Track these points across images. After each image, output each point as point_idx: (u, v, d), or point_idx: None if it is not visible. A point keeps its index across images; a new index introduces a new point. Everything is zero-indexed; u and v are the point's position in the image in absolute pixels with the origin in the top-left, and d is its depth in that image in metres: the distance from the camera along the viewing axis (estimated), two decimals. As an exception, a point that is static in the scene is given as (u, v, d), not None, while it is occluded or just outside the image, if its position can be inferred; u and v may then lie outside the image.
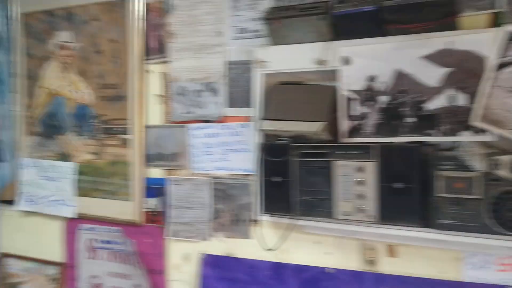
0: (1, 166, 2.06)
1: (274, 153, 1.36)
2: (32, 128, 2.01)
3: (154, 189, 1.76)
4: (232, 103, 1.60)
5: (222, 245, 1.62)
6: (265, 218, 1.43)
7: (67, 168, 1.93)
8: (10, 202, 2.09)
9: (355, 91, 1.27)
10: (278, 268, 1.48)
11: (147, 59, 1.74)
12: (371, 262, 1.35)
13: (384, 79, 1.24)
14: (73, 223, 1.93)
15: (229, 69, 1.60)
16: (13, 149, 2.05)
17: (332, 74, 1.30)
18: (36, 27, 1.95)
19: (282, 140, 1.35)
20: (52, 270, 1.99)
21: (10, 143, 2.04)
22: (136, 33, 1.71)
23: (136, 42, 1.72)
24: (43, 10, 1.92)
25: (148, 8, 1.72)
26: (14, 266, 2.09)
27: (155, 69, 1.74)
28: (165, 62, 1.71)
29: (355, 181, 1.23)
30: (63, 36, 1.89)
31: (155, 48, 1.73)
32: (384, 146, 1.21)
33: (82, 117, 1.88)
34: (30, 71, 1.99)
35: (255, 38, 1.54)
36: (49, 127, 1.96)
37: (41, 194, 2.00)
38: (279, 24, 1.36)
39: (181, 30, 1.66)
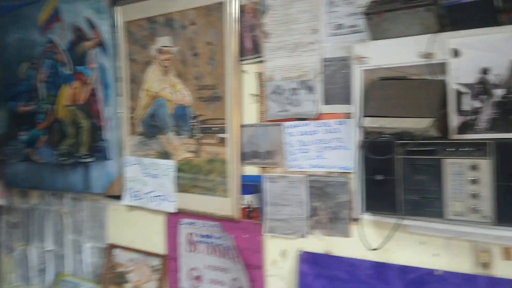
0: (108, 164, 2.23)
1: (376, 150, 1.33)
2: (135, 129, 2.15)
3: (250, 186, 1.81)
4: (328, 100, 1.59)
5: (320, 243, 1.62)
6: (367, 217, 1.40)
7: (168, 166, 2.04)
8: (116, 197, 2.25)
9: (466, 85, 1.20)
10: (381, 268, 1.45)
11: (242, 60, 1.79)
12: (485, 265, 1.28)
13: (499, 71, 1.16)
14: (174, 218, 2.04)
15: (325, 66, 1.59)
16: (119, 148, 2.21)
17: (439, 68, 1.25)
18: (138, 34, 2.09)
19: (385, 137, 1.32)
20: (155, 261, 2.12)
21: (115, 142, 2.20)
22: (232, 34, 1.76)
23: (232, 43, 1.77)
24: (145, 18, 2.04)
25: (243, 9, 1.76)
26: (121, 256, 2.26)
27: (250, 69, 1.78)
28: (260, 62, 1.74)
29: (468, 179, 1.17)
30: (163, 41, 1.99)
31: (250, 48, 1.77)
32: (501, 143, 1.13)
33: (181, 117, 1.97)
34: (133, 75, 2.13)
35: (353, 33, 1.52)
36: (150, 127, 2.09)
37: (144, 190, 2.13)
38: (380, 18, 1.32)
39: (276, 30, 1.68)
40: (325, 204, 1.61)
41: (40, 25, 2.43)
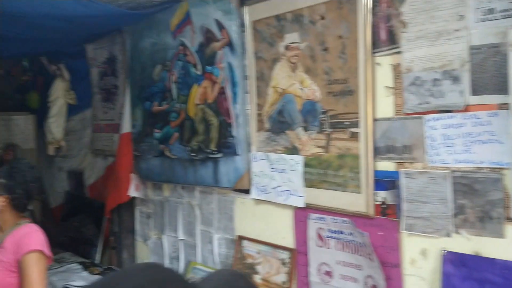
0: (236, 159, 2.33)
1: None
2: (263, 125, 2.21)
3: (384, 182, 1.75)
4: (477, 90, 1.48)
5: (467, 243, 1.52)
6: (530, 217, 1.28)
7: (295, 161, 2.06)
8: (244, 191, 2.34)
9: None
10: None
11: (375, 52, 1.74)
12: None
13: None
14: (302, 212, 2.06)
15: (472, 55, 1.48)
16: (246, 144, 2.29)
17: None
18: (265, 32, 2.14)
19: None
20: (283, 255, 2.17)
21: (243, 138, 2.29)
22: (365, 26, 1.72)
23: (365, 35, 1.73)
24: (272, 16, 2.08)
25: (378, 0, 1.71)
26: (249, 248, 2.34)
27: (385, 61, 1.72)
28: (396, 53, 1.68)
29: None
30: (291, 37, 2.02)
31: (385, 40, 1.71)
32: None
33: (310, 113, 1.98)
34: (261, 73, 2.19)
35: (506, 18, 1.39)
36: (278, 123, 2.13)
37: (271, 185, 2.18)
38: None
39: (415, 18, 1.60)
40: (473, 202, 1.50)
41: (172, 29, 2.61)
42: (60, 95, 3.77)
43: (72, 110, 3.84)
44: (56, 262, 3.39)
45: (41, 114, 4.12)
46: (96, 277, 3.11)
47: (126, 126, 3.05)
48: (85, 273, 3.20)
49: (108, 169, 3.48)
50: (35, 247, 1.88)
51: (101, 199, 3.52)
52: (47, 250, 1.92)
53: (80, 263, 3.38)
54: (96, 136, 3.61)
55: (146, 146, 2.92)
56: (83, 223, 3.73)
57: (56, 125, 3.80)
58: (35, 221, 2.08)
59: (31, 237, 1.91)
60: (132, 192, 3.03)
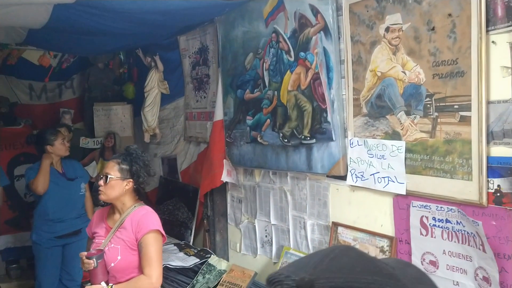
0: (331, 145, 2.31)
1: None
2: (360, 110, 2.16)
3: (499, 168, 1.65)
4: None
5: None
6: None
7: (396, 147, 2.00)
8: (339, 178, 2.32)
9: None
10: None
11: (490, 30, 1.62)
12: None
13: None
14: (403, 200, 2.00)
15: None
16: (342, 129, 2.26)
17: None
18: (363, 15, 2.08)
19: None
20: (382, 242, 2.13)
21: (339, 124, 2.26)
22: (479, 2, 1.61)
23: (479, 12, 1.61)
24: (372, -3, 2.02)
25: (494, -27, 1.59)
26: (345, 234, 2.33)
27: (501, 39, 1.60)
28: (515, 29, 1.55)
29: None
30: (393, 18, 1.95)
31: (502, 16, 1.59)
32: None
33: (413, 97, 1.90)
34: (357, 57, 2.14)
35: None
36: (377, 108, 2.08)
37: (369, 171, 2.14)
38: None
39: (540, -10, 1.46)
40: None
41: (264, 17, 2.63)
42: (154, 85, 3.98)
43: (165, 99, 4.04)
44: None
45: (137, 103, 4.39)
46: (191, 258, 3.26)
47: (219, 114, 3.14)
48: (181, 254, 3.38)
49: (200, 156, 3.63)
50: (153, 227, 2.02)
51: (194, 183, 3.69)
52: (162, 230, 2.06)
53: (176, 244, 3.57)
54: (189, 123, 3.77)
55: (238, 133, 2.99)
56: (176, 206, 3.94)
57: (151, 114, 4.03)
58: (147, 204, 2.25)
59: (149, 218, 2.05)
60: (225, 177, 3.13)
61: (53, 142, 3.28)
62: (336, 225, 2.38)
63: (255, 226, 3.04)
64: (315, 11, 2.28)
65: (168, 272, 3.11)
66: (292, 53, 2.48)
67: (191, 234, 3.67)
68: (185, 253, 3.38)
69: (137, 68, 4.52)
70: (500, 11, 1.59)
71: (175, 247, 3.51)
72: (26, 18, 2.88)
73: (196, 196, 3.58)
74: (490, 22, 1.62)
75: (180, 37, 3.67)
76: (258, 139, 2.81)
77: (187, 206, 3.80)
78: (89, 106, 4.72)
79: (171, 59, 3.87)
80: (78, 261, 2.17)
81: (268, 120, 2.71)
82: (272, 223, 2.88)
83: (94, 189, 4.08)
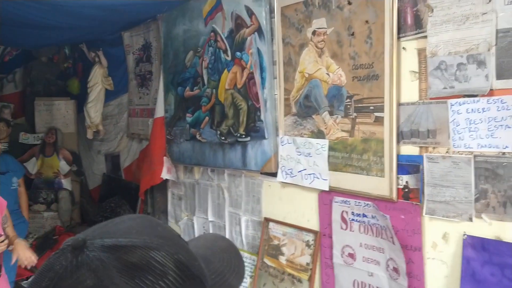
0: (264, 143, 2.38)
1: None
2: (290, 109, 2.25)
3: (407, 166, 1.77)
4: (502, 75, 1.47)
5: (488, 228, 1.52)
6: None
7: (321, 145, 2.10)
8: (271, 174, 2.40)
9: None
10: None
11: (401, 37, 1.74)
12: None
13: None
14: (327, 196, 2.10)
15: (499, 38, 1.46)
16: (274, 128, 2.34)
17: None
18: (293, 18, 2.17)
19: None
20: (308, 237, 2.22)
21: (271, 122, 2.34)
22: (391, 11, 1.73)
23: (391, 20, 1.73)
24: (301, 1, 2.11)
25: (404, -16, 1.71)
26: (275, 230, 2.41)
27: (410, 45, 1.73)
28: (421, 37, 1.68)
29: None
30: (318, 23, 2.04)
31: (411, 24, 1.71)
32: None
33: (336, 97, 2.01)
34: (288, 58, 2.23)
35: (534, -1, 1.37)
36: (305, 108, 2.17)
37: (297, 168, 2.23)
38: None
39: (442, 2, 1.59)
40: (495, 187, 1.50)
41: (204, 16, 2.68)
42: (98, 81, 3.94)
43: (109, 95, 4.01)
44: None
45: (81, 99, 4.32)
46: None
47: (160, 111, 3.16)
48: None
49: (142, 153, 3.62)
50: None
51: (136, 181, 3.67)
52: None
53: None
54: (131, 120, 3.76)
55: (178, 130, 3.02)
56: (118, 204, 3.91)
57: (94, 110, 3.98)
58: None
59: None
60: (165, 174, 3.14)
61: None
62: (268, 220, 2.46)
63: (193, 223, 3.08)
64: (250, 12, 2.35)
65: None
66: (229, 52, 2.54)
67: (132, 232, 3.65)
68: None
69: (82, 63, 4.45)
70: (409, 20, 1.71)
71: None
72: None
73: (138, 194, 3.57)
74: (401, 29, 1.74)
75: (124, 33, 3.66)
76: (197, 136, 2.85)
77: (129, 204, 3.79)
78: (31, 100, 4.59)
79: (115, 55, 3.84)
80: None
81: (207, 118, 2.76)
82: (209, 219, 2.92)
83: (33, 186, 3.97)
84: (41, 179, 4.13)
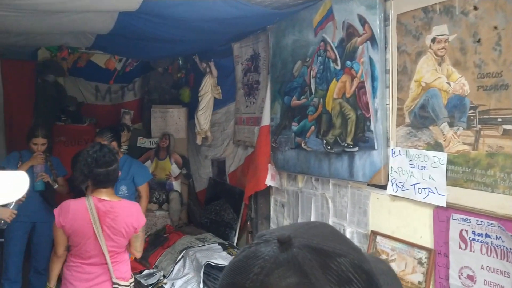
0: (373, 154, 2.32)
1: None
2: (403, 120, 2.17)
3: (543, 184, 1.60)
4: None
5: None
6: None
7: (438, 158, 1.99)
8: (380, 187, 2.33)
9: None
10: None
11: (538, 42, 1.59)
12: None
13: None
14: (443, 212, 1.98)
15: None
16: (385, 138, 2.27)
17: None
18: (410, 25, 2.09)
19: None
20: (420, 254, 2.11)
21: (382, 133, 2.27)
22: (526, 15, 1.59)
23: (526, 24, 1.59)
24: (419, 8, 2.03)
25: (543, -15, 1.56)
26: (383, 244, 2.32)
27: (549, 51, 1.57)
28: None
29: None
30: (439, 29, 1.94)
31: (550, 28, 1.55)
32: None
33: (457, 108, 1.89)
34: (402, 67, 2.15)
35: None
36: (420, 118, 2.07)
37: (410, 181, 2.13)
38: None
39: None
40: None
41: (314, 26, 2.70)
42: (208, 90, 4.15)
43: (218, 104, 4.21)
44: (200, 240, 3.77)
45: (192, 107, 4.59)
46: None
47: (266, 119, 3.24)
48: (224, 253, 3.49)
49: (247, 159, 3.74)
50: None
51: (240, 186, 3.80)
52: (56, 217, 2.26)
53: (220, 243, 3.69)
54: (238, 128, 3.90)
55: (284, 138, 3.06)
56: (223, 207, 4.07)
57: (204, 117, 4.20)
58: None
59: None
60: (269, 181, 3.20)
61: None
62: (375, 234, 2.39)
63: (296, 230, 3.08)
64: (363, 21, 2.32)
65: (211, 270, 3.23)
66: (338, 61, 2.52)
67: (235, 235, 3.78)
68: (228, 253, 3.49)
69: (194, 74, 4.73)
70: (549, 24, 1.56)
71: (219, 247, 3.63)
72: (94, 24, 3.15)
73: (242, 198, 3.69)
74: (538, 34, 1.59)
75: (234, 44, 3.82)
76: (302, 145, 2.87)
77: (232, 208, 3.92)
78: (148, 108, 4.99)
79: (225, 66, 4.02)
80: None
81: (313, 127, 2.77)
82: (313, 228, 2.91)
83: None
84: (154, 180, 4.45)
